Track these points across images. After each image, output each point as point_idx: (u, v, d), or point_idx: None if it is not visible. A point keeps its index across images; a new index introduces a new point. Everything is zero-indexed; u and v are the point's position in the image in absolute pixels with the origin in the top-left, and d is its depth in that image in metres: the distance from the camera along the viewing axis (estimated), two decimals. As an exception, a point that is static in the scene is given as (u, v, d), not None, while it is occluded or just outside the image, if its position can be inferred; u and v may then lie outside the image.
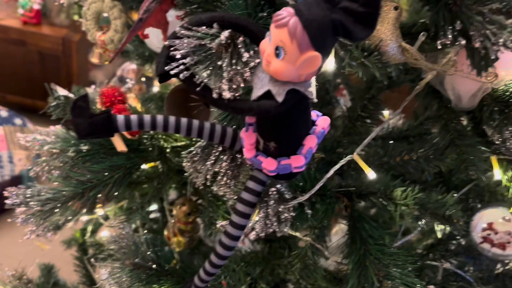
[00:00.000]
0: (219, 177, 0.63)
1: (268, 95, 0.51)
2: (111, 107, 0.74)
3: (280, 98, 0.50)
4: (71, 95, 0.88)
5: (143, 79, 1.40)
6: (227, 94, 0.51)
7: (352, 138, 0.89)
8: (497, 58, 0.55)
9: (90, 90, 1.36)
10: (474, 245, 0.98)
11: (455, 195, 0.90)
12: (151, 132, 0.89)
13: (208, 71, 0.52)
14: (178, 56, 0.51)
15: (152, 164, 0.95)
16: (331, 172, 0.63)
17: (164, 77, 0.55)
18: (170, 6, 0.75)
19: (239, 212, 0.60)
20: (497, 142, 0.67)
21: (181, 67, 0.52)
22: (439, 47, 0.56)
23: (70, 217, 0.77)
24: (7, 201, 0.77)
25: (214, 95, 0.52)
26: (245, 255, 0.91)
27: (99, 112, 0.57)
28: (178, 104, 0.81)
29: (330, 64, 0.62)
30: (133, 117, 0.58)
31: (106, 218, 1.27)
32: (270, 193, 0.60)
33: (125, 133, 0.78)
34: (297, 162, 0.56)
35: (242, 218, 0.60)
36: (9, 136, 2.25)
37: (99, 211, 1.23)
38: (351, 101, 1.11)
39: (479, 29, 0.52)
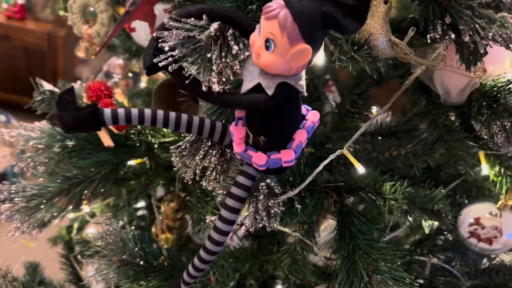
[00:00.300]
0: (208, 172, 0.62)
1: (258, 88, 0.50)
2: (97, 101, 0.73)
3: (270, 92, 0.49)
4: (56, 90, 0.87)
5: (130, 74, 1.38)
6: (216, 87, 0.51)
7: (341, 134, 0.89)
8: (486, 53, 0.55)
9: (76, 85, 1.34)
10: (461, 240, 0.99)
11: (443, 190, 0.91)
12: (139, 127, 0.88)
13: (197, 64, 0.51)
14: (167, 48, 0.51)
15: (139, 160, 0.94)
16: (321, 167, 0.63)
17: (152, 70, 0.54)
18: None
19: (228, 207, 0.59)
20: (485, 137, 0.67)
21: (170, 59, 0.51)
22: (429, 41, 0.56)
23: (56, 214, 0.76)
24: (-10, 198, 0.76)
25: (203, 88, 0.51)
26: (234, 251, 0.91)
27: (86, 106, 0.56)
28: (166, 99, 0.80)
29: (320, 59, 0.61)
30: (120, 111, 0.57)
31: (92, 215, 1.26)
32: (260, 187, 0.59)
33: (112, 127, 0.77)
34: (287, 157, 0.55)
35: (232, 213, 0.59)
36: (-7, 132, 2.21)
37: (85, 208, 1.22)
38: (340, 97, 1.11)
39: (468, 23, 0.52)
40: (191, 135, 0.63)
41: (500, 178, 0.76)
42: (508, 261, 0.96)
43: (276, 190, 0.60)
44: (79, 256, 1.08)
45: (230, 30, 0.51)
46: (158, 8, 0.81)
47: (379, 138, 0.94)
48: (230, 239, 1.05)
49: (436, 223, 0.99)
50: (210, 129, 0.60)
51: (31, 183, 0.78)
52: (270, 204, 0.59)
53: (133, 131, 0.84)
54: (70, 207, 0.82)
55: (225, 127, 0.61)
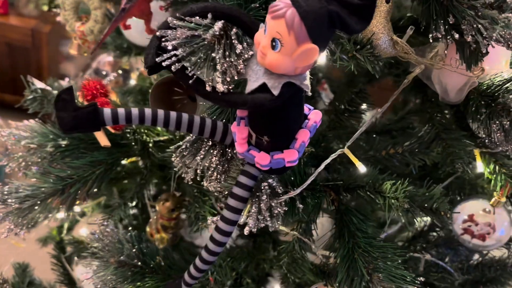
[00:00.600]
0: (209, 172, 0.61)
1: (263, 88, 0.50)
2: (93, 100, 0.71)
3: (276, 91, 0.49)
4: (48, 88, 0.85)
5: (120, 71, 1.36)
6: (220, 87, 0.50)
7: (337, 132, 0.89)
8: (487, 52, 0.55)
9: (64, 83, 1.32)
10: (453, 237, 1.00)
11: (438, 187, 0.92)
12: (134, 126, 0.87)
13: (201, 63, 0.50)
14: (170, 47, 0.50)
15: (133, 159, 0.93)
16: (322, 166, 0.63)
17: (154, 69, 0.53)
18: (154, -4, 0.73)
19: (230, 207, 0.59)
20: (482, 136, 0.68)
21: (173, 59, 0.50)
22: (431, 41, 0.56)
23: (50, 215, 0.75)
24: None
25: (207, 88, 0.51)
26: (231, 250, 0.90)
27: (85, 106, 0.55)
28: (162, 97, 0.79)
29: (322, 58, 0.61)
30: (121, 111, 0.56)
31: (82, 214, 1.24)
32: (262, 188, 0.59)
33: (109, 127, 0.75)
34: (290, 157, 0.55)
35: (234, 213, 0.59)
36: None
37: (75, 208, 1.20)
38: (334, 95, 1.11)
39: (471, 23, 0.52)
40: (191, 134, 0.62)
41: (494, 175, 0.77)
42: (499, 256, 0.97)
43: (278, 190, 0.60)
44: (75, 258, 1.06)
45: (234, 29, 0.51)
46: (153, 5, 0.79)
47: (374, 136, 0.94)
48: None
49: (428, 220, 1.01)
50: (211, 129, 0.60)
51: (24, 184, 0.76)
52: (273, 204, 0.58)
53: (128, 130, 0.83)
54: (64, 207, 0.80)
55: (226, 127, 0.60)
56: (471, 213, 0.88)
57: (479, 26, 0.52)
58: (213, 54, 0.49)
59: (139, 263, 0.73)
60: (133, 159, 0.94)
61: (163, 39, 0.49)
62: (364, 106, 1.10)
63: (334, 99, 1.02)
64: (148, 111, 0.57)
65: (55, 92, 0.85)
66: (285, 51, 0.47)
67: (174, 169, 0.68)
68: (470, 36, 0.53)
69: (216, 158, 0.62)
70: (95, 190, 0.79)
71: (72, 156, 0.83)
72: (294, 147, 0.56)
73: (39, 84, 0.84)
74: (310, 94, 0.52)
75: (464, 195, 0.93)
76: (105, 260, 0.72)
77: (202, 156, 0.61)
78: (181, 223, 0.98)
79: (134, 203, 1.13)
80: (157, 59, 0.51)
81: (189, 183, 0.62)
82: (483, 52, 0.54)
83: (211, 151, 0.62)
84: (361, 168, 0.63)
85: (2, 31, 2.46)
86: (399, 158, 0.78)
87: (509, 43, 0.52)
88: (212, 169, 0.61)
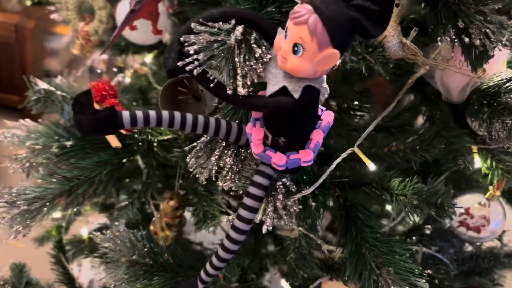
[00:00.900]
0: (224, 172, 0.63)
1: (283, 91, 0.51)
2: (102, 101, 0.72)
3: (296, 95, 0.50)
4: (52, 89, 0.85)
5: (115, 69, 1.35)
6: (241, 91, 0.51)
7: (338, 130, 0.91)
8: (493, 55, 0.58)
9: (57, 80, 1.31)
10: (447, 229, 1.04)
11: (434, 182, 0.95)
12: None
13: (222, 67, 0.51)
14: (192, 51, 0.51)
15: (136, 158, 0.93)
16: (334, 165, 0.65)
17: (174, 72, 0.54)
18: (162, -3, 0.73)
19: (247, 206, 0.60)
20: (483, 133, 0.70)
21: (195, 63, 0.51)
22: (439, 43, 0.58)
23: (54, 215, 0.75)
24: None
25: (228, 92, 0.52)
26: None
27: (103, 109, 0.56)
28: (170, 98, 0.80)
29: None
30: (139, 114, 0.57)
31: (77, 213, 1.23)
32: (277, 187, 0.61)
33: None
34: (306, 157, 0.57)
35: (250, 212, 0.60)
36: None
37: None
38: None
39: (479, 27, 0.55)
40: (206, 136, 0.63)
41: (491, 170, 0.81)
42: (492, 248, 1.01)
43: (292, 189, 0.62)
44: (84, 257, 1.06)
45: (254, 34, 0.52)
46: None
47: (373, 133, 0.96)
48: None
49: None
50: (226, 130, 0.61)
51: (31, 185, 0.76)
52: (289, 203, 0.60)
53: (135, 130, 0.83)
54: (70, 208, 0.80)
55: (240, 128, 0.62)
56: (467, 207, 0.91)
57: (487, 30, 0.54)
58: (236, 59, 0.50)
59: (151, 261, 0.74)
60: (133, 157, 0.95)
61: (186, 44, 0.50)
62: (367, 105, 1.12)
63: (330, 97, 1.04)
64: (165, 114, 0.58)
65: (59, 92, 0.85)
66: (307, 56, 0.48)
67: (181, 168, 0.69)
68: (478, 40, 0.55)
69: (231, 159, 0.63)
70: (103, 190, 0.79)
71: (77, 156, 0.83)
72: (309, 147, 0.58)
73: (42, 85, 0.84)
74: (326, 97, 0.53)
75: (460, 189, 0.97)
76: (116, 259, 0.73)
77: (217, 156, 0.63)
78: (184, 220, 0.99)
79: (141, 203, 1.14)
80: (178, 63, 0.52)
81: (204, 182, 0.63)
82: (490, 55, 0.57)
83: (226, 151, 0.63)
84: (371, 166, 0.65)
85: (-16, 26, 2.41)
86: (401, 155, 0.81)
87: (516, 47, 0.55)
88: (227, 169, 0.63)
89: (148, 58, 1.20)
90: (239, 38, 0.50)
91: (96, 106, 0.73)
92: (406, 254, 0.66)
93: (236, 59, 0.50)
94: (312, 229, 0.80)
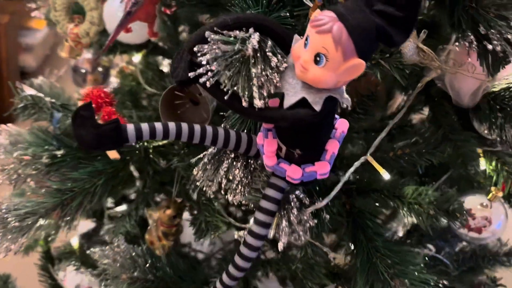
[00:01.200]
0: (234, 186, 0.59)
1: (302, 102, 0.48)
2: (98, 110, 0.67)
3: (318, 107, 0.47)
4: (40, 95, 0.79)
5: (100, 69, 1.30)
6: (258, 103, 0.48)
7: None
8: (510, 61, 0.56)
9: (38, 81, 1.25)
10: (446, 230, 1.04)
11: (434, 183, 0.94)
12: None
13: (236, 78, 0.48)
14: (204, 62, 0.47)
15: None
16: (348, 175, 0.62)
17: (184, 83, 0.50)
18: (159, -2, 0.69)
19: (259, 221, 0.57)
20: (495, 137, 0.69)
21: (209, 74, 0.47)
22: (457, 49, 0.56)
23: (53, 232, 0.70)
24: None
25: (244, 104, 0.49)
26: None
27: (106, 122, 0.52)
28: (168, 103, 0.76)
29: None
30: (144, 126, 0.53)
31: (70, 227, 1.18)
32: (291, 200, 0.58)
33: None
34: (322, 169, 0.54)
35: (263, 227, 0.57)
36: None
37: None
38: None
39: (501, 33, 0.53)
40: (215, 147, 0.60)
41: (496, 172, 0.80)
42: (491, 247, 1.01)
43: (306, 202, 0.59)
44: (76, 269, 1.01)
45: (269, 41, 0.49)
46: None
47: (373, 134, 0.94)
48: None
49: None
50: (236, 141, 0.57)
51: (23, 200, 0.72)
52: (304, 217, 0.57)
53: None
54: (65, 222, 0.76)
55: (250, 138, 0.58)
56: (469, 208, 0.91)
57: (509, 36, 0.52)
58: (253, 70, 0.46)
59: (152, 277, 0.70)
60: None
61: (199, 54, 0.47)
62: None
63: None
64: (172, 126, 0.54)
65: (48, 98, 0.79)
66: (330, 66, 0.45)
67: (179, 175, 0.65)
68: (499, 46, 0.53)
69: (240, 171, 0.60)
70: (99, 202, 0.75)
71: (69, 166, 0.79)
72: (325, 158, 0.55)
73: (29, 91, 0.78)
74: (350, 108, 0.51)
75: (460, 190, 0.96)
76: (116, 276, 0.69)
77: (225, 169, 0.59)
78: (181, 228, 0.95)
79: (123, 208, 1.10)
80: (190, 74, 0.48)
81: (211, 196, 0.60)
82: (509, 60, 0.55)
83: (234, 163, 0.60)
84: (385, 175, 0.63)
85: (-46, 22, 2.29)
86: (406, 159, 0.79)
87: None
88: (236, 182, 0.60)
89: (137, 57, 1.15)
90: (256, 46, 0.47)
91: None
92: (420, 264, 0.64)
93: (254, 70, 0.46)
94: (318, 237, 0.78)
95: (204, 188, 0.60)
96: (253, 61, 0.47)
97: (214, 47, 0.46)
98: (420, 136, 0.80)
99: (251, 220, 0.58)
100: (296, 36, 0.50)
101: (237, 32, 0.47)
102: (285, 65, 0.50)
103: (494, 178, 0.80)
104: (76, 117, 0.51)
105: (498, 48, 0.53)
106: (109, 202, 1.15)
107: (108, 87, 0.73)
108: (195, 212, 0.85)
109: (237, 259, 0.59)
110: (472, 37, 0.55)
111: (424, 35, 0.64)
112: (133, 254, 0.70)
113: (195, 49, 0.47)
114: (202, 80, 0.47)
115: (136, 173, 0.84)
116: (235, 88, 0.48)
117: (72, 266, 1.17)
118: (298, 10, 0.58)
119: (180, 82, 0.50)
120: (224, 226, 0.74)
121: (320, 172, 0.54)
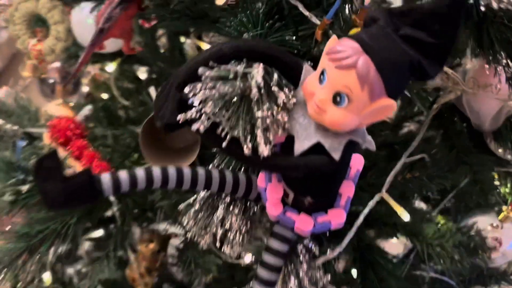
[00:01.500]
0: (231, 236, 0.51)
1: (316, 148, 0.40)
2: (66, 143, 0.57)
3: (337, 155, 0.39)
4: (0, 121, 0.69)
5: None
6: (264, 150, 0.39)
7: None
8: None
9: (1, 92, 1.14)
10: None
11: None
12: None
13: (236, 121, 0.39)
14: (196, 103, 0.38)
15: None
16: (361, 218, 0.54)
17: (172, 127, 0.41)
18: (136, 11, 0.59)
19: (262, 280, 0.49)
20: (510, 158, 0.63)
21: (203, 117, 0.38)
22: (487, 72, 0.48)
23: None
24: None
25: (246, 152, 0.40)
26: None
27: (75, 174, 0.42)
28: (150, 129, 0.67)
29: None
30: (123, 176, 0.43)
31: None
32: (299, 251, 0.49)
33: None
34: (337, 218, 0.46)
35: (267, 286, 0.49)
36: None
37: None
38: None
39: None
40: (209, 192, 0.51)
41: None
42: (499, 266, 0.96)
43: (316, 252, 0.51)
44: None
45: (275, 74, 0.40)
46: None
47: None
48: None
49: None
50: (233, 185, 0.49)
51: (-18, 249, 0.61)
52: (317, 275, 0.49)
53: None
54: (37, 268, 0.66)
55: (250, 180, 0.50)
56: (479, 228, 0.84)
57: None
58: (258, 113, 0.37)
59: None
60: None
61: (191, 94, 0.37)
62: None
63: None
64: (156, 171, 0.45)
65: (9, 126, 0.69)
66: (354, 107, 0.37)
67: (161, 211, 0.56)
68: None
69: (238, 218, 0.51)
70: (75, 244, 0.65)
71: (36, 203, 0.68)
72: (339, 205, 0.47)
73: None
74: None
75: (466, 207, 0.90)
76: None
77: (220, 217, 0.50)
78: (166, 259, 0.86)
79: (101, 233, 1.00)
80: (179, 117, 0.39)
81: (204, 247, 0.51)
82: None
83: (231, 209, 0.51)
84: (405, 216, 0.55)
85: None
86: (417, 183, 0.72)
87: None
88: (234, 232, 0.51)
89: (111, 67, 1.05)
90: (261, 84, 0.38)
91: (60, 150, 0.58)
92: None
93: (259, 114, 0.37)
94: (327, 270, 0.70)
95: (196, 239, 0.51)
96: (255, 99, 0.38)
97: (209, 85, 0.37)
98: (429, 156, 0.72)
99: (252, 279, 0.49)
100: (306, 66, 0.41)
101: (237, 67, 0.37)
102: (294, 100, 0.41)
103: (509, 200, 0.74)
104: (40, 170, 0.42)
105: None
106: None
107: (78, 116, 0.62)
108: (181, 245, 0.75)
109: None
110: (505, 59, 0.47)
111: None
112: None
113: (186, 90, 0.37)
114: (194, 127, 0.38)
115: (114, 208, 0.75)
116: (235, 132, 0.39)
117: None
118: (303, 28, 0.49)
119: (166, 126, 0.41)
120: (215, 267, 0.65)
121: (335, 222, 0.46)
